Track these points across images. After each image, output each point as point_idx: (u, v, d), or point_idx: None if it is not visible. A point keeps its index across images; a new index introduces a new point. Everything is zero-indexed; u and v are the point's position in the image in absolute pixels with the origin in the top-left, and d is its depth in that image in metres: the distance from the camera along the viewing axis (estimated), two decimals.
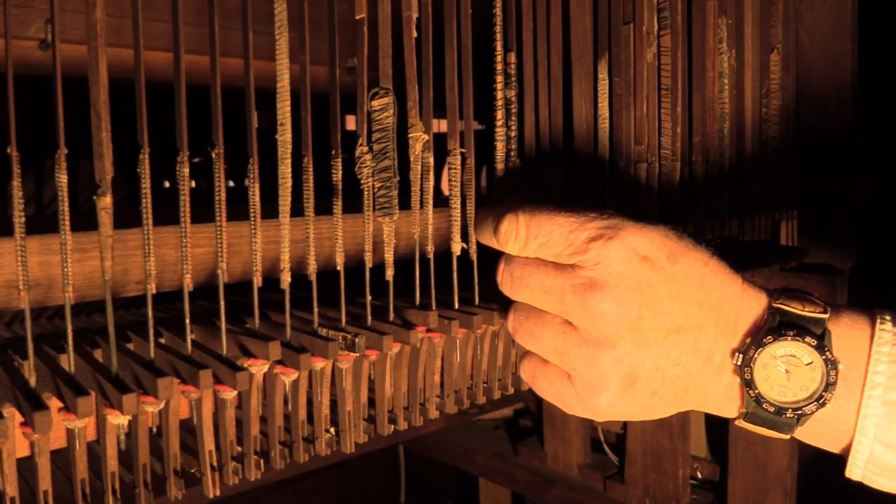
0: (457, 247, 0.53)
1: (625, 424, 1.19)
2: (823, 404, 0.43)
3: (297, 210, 0.47)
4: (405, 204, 0.52)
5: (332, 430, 0.54)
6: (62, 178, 0.37)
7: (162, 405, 0.40)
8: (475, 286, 0.55)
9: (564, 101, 0.61)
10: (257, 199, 0.44)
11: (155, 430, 0.48)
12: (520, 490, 1.37)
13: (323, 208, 0.49)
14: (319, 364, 0.47)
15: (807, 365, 0.43)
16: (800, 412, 0.43)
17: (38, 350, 0.44)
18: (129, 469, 0.48)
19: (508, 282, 0.48)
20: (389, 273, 0.51)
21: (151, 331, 0.42)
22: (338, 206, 0.48)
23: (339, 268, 0.49)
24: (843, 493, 0.51)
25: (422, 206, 0.52)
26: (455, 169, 0.53)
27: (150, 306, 0.41)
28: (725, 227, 0.81)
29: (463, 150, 0.53)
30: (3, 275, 0.38)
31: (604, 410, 0.46)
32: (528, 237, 0.46)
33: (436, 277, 0.53)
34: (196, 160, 1.19)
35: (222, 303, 0.43)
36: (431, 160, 0.52)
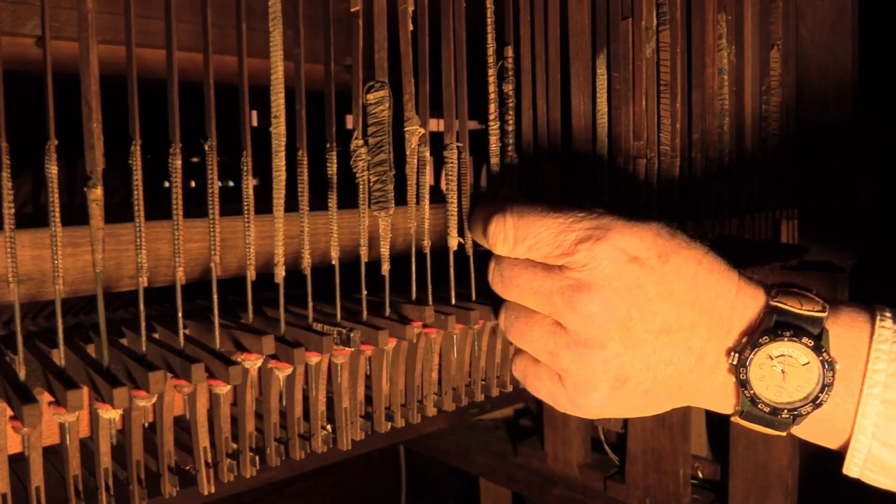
0: (453, 242, 0.53)
1: (625, 424, 1.19)
2: (819, 405, 0.42)
3: (292, 206, 0.47)
4: (401, 199, 0.51)
5: (329, 427, 0.53)
6: (52, 170, 0.37)
7: (154, 399, 0.39)
8: (472, 281, 0.55)
9: (562, 96, 0.60)
10: (251, 192, 0.44)
11: (149, 426, 0.48)
12: (520, 490, 1.37)
13: (319, 203, 0.48)
14: (314, 359, 0.47)
15: (803, 365, 0.42)
16: (795, 413, 0.43)
17: (29, 345, 0.44)
18: (123, 466, 0.48)
19: (499, 282, 0.48)
20: (385, 268, 0.51)
21: (143, 324, 0.41)
22: (333, 200, 0.48)
23: (334, 262, 0.49)
24: (845, 492, 0.51)
25: (418, 201, 0.52)
26: (452, 163, 0.53)
27: (141, 299, 0.40)
28: (725, 225, 0.81)
29: (459, 145, 0.53)
30: None
31: (594, 410, 0.46)
32: (516, 239, 0.46)
33: (432, 273, 0.53)
34: (194, 160, 1.19)
35: (215, 296, 0.43)
36: (428, 154, 0.52)
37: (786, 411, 0.43)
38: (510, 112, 0.56)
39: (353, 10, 0.48)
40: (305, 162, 0.46)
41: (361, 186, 0.49)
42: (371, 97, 0.49)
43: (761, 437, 0.45)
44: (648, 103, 0.66)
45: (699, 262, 0.44)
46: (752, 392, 0.43)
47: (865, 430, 0.42)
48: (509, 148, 0.56)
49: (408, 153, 0.51)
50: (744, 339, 0.44)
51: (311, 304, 0.48)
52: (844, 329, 0.43)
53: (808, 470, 0.99)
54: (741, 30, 0.78)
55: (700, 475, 1.16)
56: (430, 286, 0.52)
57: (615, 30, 0.64)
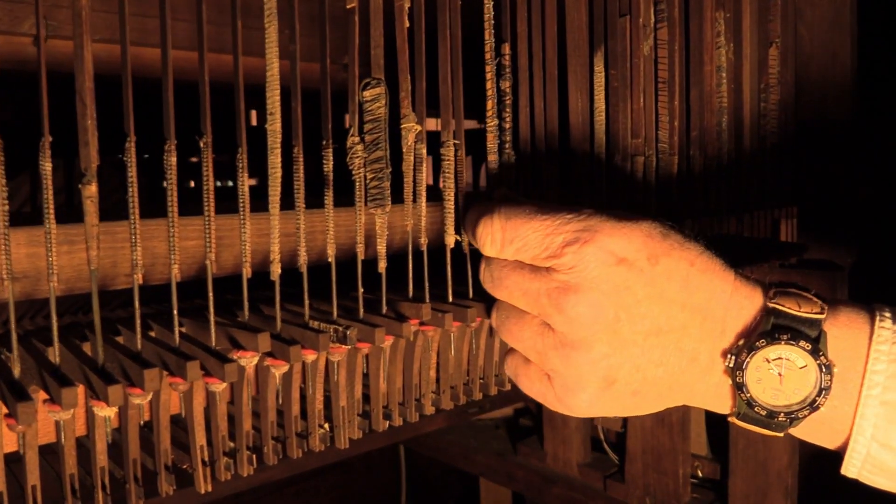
0: (450, 239, 0.53)
1: (625, 423, 1.19)
2: (816, 409, 0.42)
3: (289, 203, 0.47)
4: (398, 196, 0.51)
5: (327, 425, 0.53)
6: (46, 167, 0.37)
7: (149, 397, 0.39)
8: (469, 279, 0.54)
9: (560, 93, 0.60)
10: (246, 189, 0.44)
11: (145, 424, 0.48)
12: (520, 490, 1.36)
13: (315, 201, 0.48)
14: (311, 356, 0.47)
15: (801, 368, 0.42)
16: (792, 416, 0.43)
17: (25, 343, 0.44)
18: (119, 464, 0.48)
19: (489, 282, 0.48)
20: (382, 265, 0.50)
21: (138, 322, 0.41)
22: (329, 197, 0.48)
23: (330, 260, 0.48)
24: (844, 491, 0.50)
25: (415, 198, 0.52)
26: (448, 161, 0.53)
27: (136, 297, 0.40)
28: (724, 224, 0.80)
29: (456, 142, 0.53)
30: None
31: (583, 410, 0.46)
32: (503, 241, 0.46)
33: (429, 270, 0.52)
34: (193, 160, 1.19)
35: (211, 294, 0.43)
36: (424, 151, 0.52)
37: (782, 414, 0.43)
38: (507, 110, 0.56)
39: (349, 6, 0.48)
40: (301, 159, 0.46)
41: (358, 184, 0.49)
42: (367, 94, 0.49)
43: (761, 436, 0.45)
44: (646, 101, 0.66)
45: (692, 263, 0.44)
46: (748, 395, 0.43)
47: (864, 432, 0.41)
48: (507, 146, 0.56)
49: (404, 150, 0.51)
50: (740, 342, 0.43)
51: (307, 302, 0.48)
52: (843, 330, 0.43)
53: (808, 469, 0.99)
54: (739, 27, 0.78)
55: (700, 474, 1.16)
56: (426, 284, 0.52)
57: (613, 27, 0.64)
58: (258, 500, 1.54)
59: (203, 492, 0.49)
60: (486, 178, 0.56)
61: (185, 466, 0.50)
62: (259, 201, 0.46)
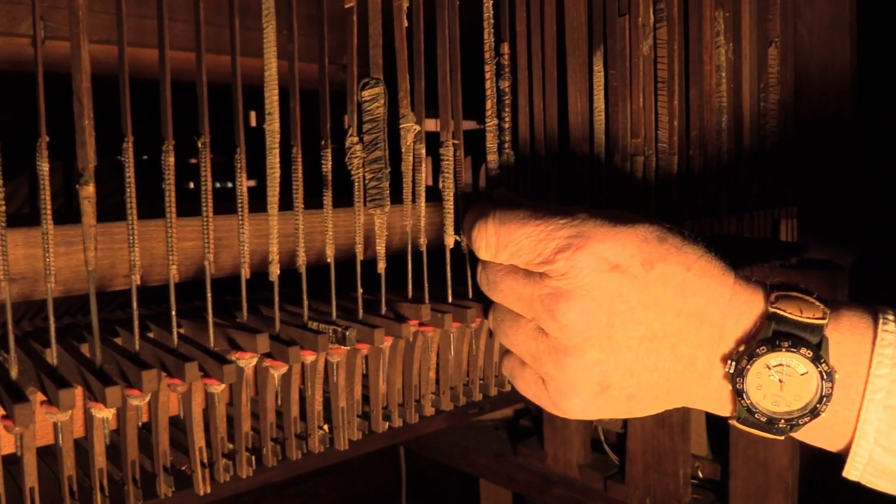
0: (450, 240, 0.53)
1: (625, 424, 1.18)
2: (817, 415, 0.42)
3: (287, 204, 0.46)
4: (397, 196, 0.51)
5: (326, 427, 0.53)
6: (43, 167, 0.36)
7: (147, 398, 0.39)
8: (469, 280, 0.54)
9: (559, 93, 0.60)
10: (245, 190, 0.44)
11: (143, 426, 0.47)
12: (520, 490, 1.36)
13: (314, 201, 0.48)
14: (310, 357, 0.47)
15: (801, 375, 0.42)
16: (793, 422, 0.42)
17: (22, 344, 0.44)
18: (118, 466, 0.48)
19: (485, 284, 0.49)
20: (381, 266, 0.50)
21: (136, 323, 0.41)
22: (328, 197, 0.48)
23: (329, 261, 0.48)
24: (845, 492, 0.50)
25: (414, 199, 0.52)
26: (448, 161, 0.53)
27: (134, 297, 0.40)
28: (724, 224, 0.80)
29: (455, 142, 0.53)
30: None
31: (577, 413, 0.46)
32: (497, 246, 0.46)
33: (429, 271, 0.52)
34: (192, 161, 1.19)
35: (209, 295, 0.43)
36: (423, 151, 0.52)
37: (783, 421, 0.42)
38: (507, 109, 0.56)
39: (347, 6, 0.48)
40: (300, 160, 0.46)
41: (357, 184, 0.49)
42: (366, 94, 0.49)
43: (761, 437, 0.45)
44: (646, 100, 0.66)
45: (689, 268, 0.43)
46: (748, 402, 0.43)
47: (867, 436, 0.41)
48: (506, 145, 0.56)
49: (403, 150, 0.51)
50: (740, 348, 0.43)
51: (306, 303, 0.48)
52: (846, 335, 0.42)
53: (809, 469, 0.99)
54: (739, 27, 0.78)
55: (700, 475, 1.15)
56: (426, 284, 0.52)
57: (612, 26, 0.64)
58: (257, 502, 1.54)
59: (202, 493, 0.49)
60: (485, 179, 0.56)
61: (183, 468, 0.50)
62: (257, 202, 0.46)
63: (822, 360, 0.41)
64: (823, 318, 0.42)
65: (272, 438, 0.51)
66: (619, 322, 0.43)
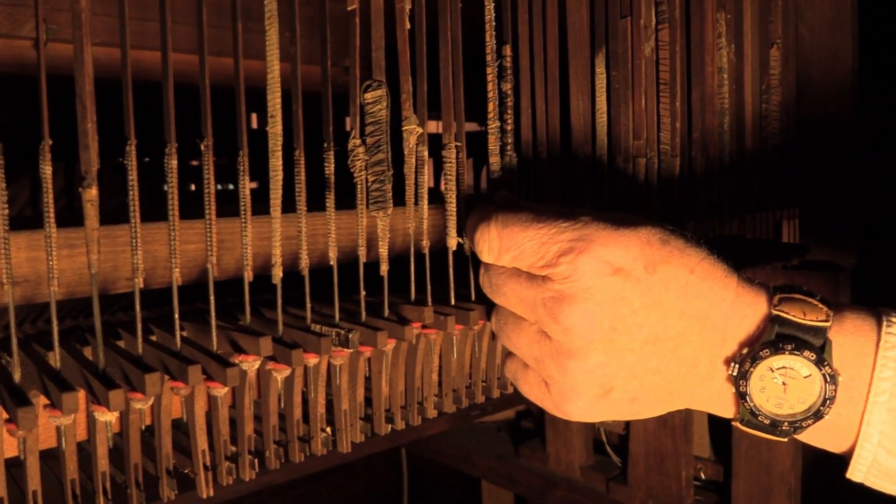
0: (452, 242, 0.53)
1: (627, 425, 1.18)
2: (821, 418, 0.42)
3: (290, 206, 0.46)
4: (400, 199, 0.51)
5: (329, 429, 0.53)
6: (46, 170, 0.36)
7: (150, 401, 0.39)
8: (471, 282, 0.54)
9: (561, 95, 0.60)
10: (247, 192, 0.44)
11: (146, 429, 0.47)
12: (522, 492, 1.36)
13: (317, 204, 0.48)
14: (313, 360, 0.46)
15: (805, 378, 0.42)
16: (796, 425, 0.42)
17: (26, 348, 0.44)
18: (121, 469, 0.47)
19: (488, 287, 0.49)
20: (384, 268, 0.50)
21: (139, 326, 0.41)
22: (331, 200, 0.48)
23: (332, 263, 0.48)
24: (848, 493, 0.50)
25: (416, 201, 0.52)
26: (450, 163, 0.53)
27: (137, 301, 0.40)
28: (726, 225, 0.80)
29: (458, 144, 0.53)
30: None
31: (580, 416, 0.46)
32: (500, 249, 0.46)
33: (431, 273, 0.52)
34: (194, 163, 1.19)
35: (212, 297, 0.42)
36: (426, 153, 0.52)
37: (786, 423, 0.42)
38: (509, 111, 0.56)
39: (349, 8, 0.48)
40: (303, 162, 0.46)
41: (359, 186, 0.49)
42: (368, 96, 0.49)
43: (764, 438, 0.45)
44: (648, 102, 0.66)
45: (691, 271, 0.43)
46: (752, 404, 0.43)
47: (871, 438, 0.41)
48: (508, 147, 0.56)
49: (406, 153, 0.51)
50: (744, 350, 0.43)
51: (308, 306, 0.48)
52: (849, 337, 0.42)
53: (812, 471, 0.99)
54: (741, 28, 0.78)
55: (703, 476, 1.15)
56: (429, 287, 0.52)
57: (614, 28, 0.64)
58: (261, 503, 1.54)
59: (205, 496, 0.49)
60: (487, 181, 0.56)
61: (186, 471, 0.50)
62: (260, 204, 0.46)
63: (826, 363, 0.41)
64: (827, 321, 0.42)
65: (275, 441, 0.51)
66: (621, 325, 0.43)
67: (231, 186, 1.31)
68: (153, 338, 0.48)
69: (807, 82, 0.93)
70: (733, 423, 0.45)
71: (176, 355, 0.42)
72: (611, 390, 0.44)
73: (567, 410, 0.46)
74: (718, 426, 1.14)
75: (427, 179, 0.53)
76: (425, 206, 0.52)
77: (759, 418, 0.43)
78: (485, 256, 0.48)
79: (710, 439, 1.16)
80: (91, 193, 0.37)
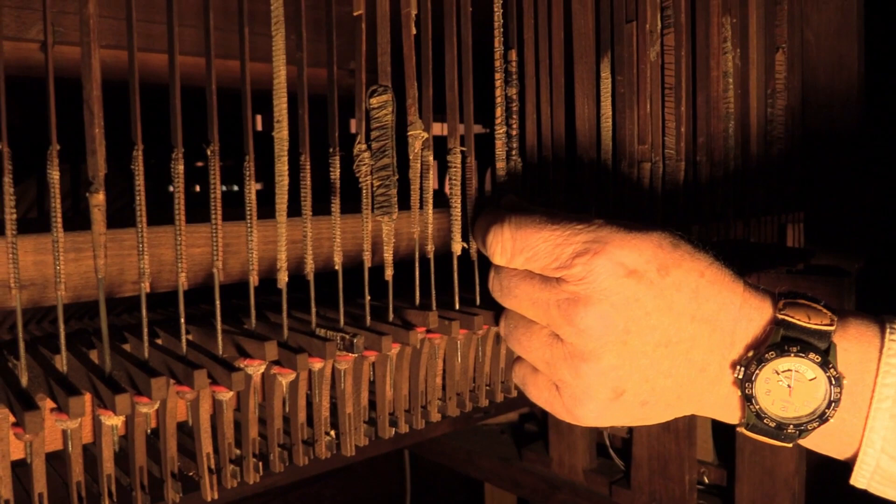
0: (457, 246, 0.53)
1: (631, 429, 1.18)
2: (826, 421, 0.42)
3: (295, 210, 0.46)
4: (405, 203, 0.51)
5: (333, 432, 0.53)
6: (54, 175, 0.36)
7: (156, 406, 0.39)
8: (476, 286, 0.54)
9: (566, 100, 0.60)
10: (253, 196, 0.44)
11: (151, 432, 0.48)
12: (525, 495, 1.36)
13: (322, 208, 0.48)
14: (317, 365, 0.47)
15: (810, 381, 0.42)
16: (801, 428, 0.42)
17: (32, 351, 0.44)
18: (126, 472, 0.48)
19: (498, 290, 0.48)
20: (389, 273, 0.50)
21: (145, 330, 0.41)
22: (336, 205, 0.48)
23: (337, 267, 0.48)
24: (851, 499, 0.50)
25: (421, 206, 0.52)
26: (455, 168, 0.53)
27: (143, 305, 0.40)
28: (731, 229, 0.80)
29: (463, 149, 0.53)
30: None
31: (591, 420, 0.46)
32: (514, 251, 0.46)
33: (436, 278, 0.52)
34: (199, 164, 1.19)
35: (218, 302, 0.43)
36: (431, 158, 0.52)
37: (791, 426, 0.43)
38: (514, 116, 0.56)
39: (356, 13, 0.48)
40: (308, 166, 0.46)
41: (364, 191, 0.49)
42: (374, 101, 0.49)
43: (769, 443, 0.45)
44: (653, 107, 0.66)
45: (701, 275, 0.44)
46: (757, 407, 0.43)
47: (874, 444, 0.41)
48: (513, 152, 0.56)
49: (411, 157, 0.51)
50: (749, 353, 0.43)
51: (314, 310, 0.48)
52: (853, 343, 0.42)
53: (815, 476, 0.99)
54: (746, 33, 0.78)
55: (706, 480, 1.15)
56: (433, 291, 0.52)
57: (619, 33, 0.64)
58: None
59: (209, 499, 0.49)
60: (490, 184, 0.56)
61: (191, 474, 0.50)
62: (264, 207, 0.46)
63: (831, 366, 0.42)
64: (831, 325, 0.42)
65: (279, 444, 0.51)
66: (635, 328, 0.43)
67: (236, 188, 1.31)
68: (159, 341, 0.48)
69: (812, 87, 0.93)
70: (738, 428, 0.45)
71: (181, 359, 0.42)
72: (623, 393, 0.44)
73: (578, 415, 0.46)
74: (722, 430, 1.14)
75: (432, 183, 0.53)
76: (430, 211, 0.52)
77: (765, 421, 0.43)
78: (497, 258, 0.47)
79: (713, 443, 1.16)
80: (98, 198, 0.37)
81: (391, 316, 0.51)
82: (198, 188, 1.26)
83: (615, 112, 0.64)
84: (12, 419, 0.38)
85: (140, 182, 0.39)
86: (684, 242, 0.45)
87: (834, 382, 0.41)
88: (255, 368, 0.44)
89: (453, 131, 0.53)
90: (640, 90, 0.65)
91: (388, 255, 0.50)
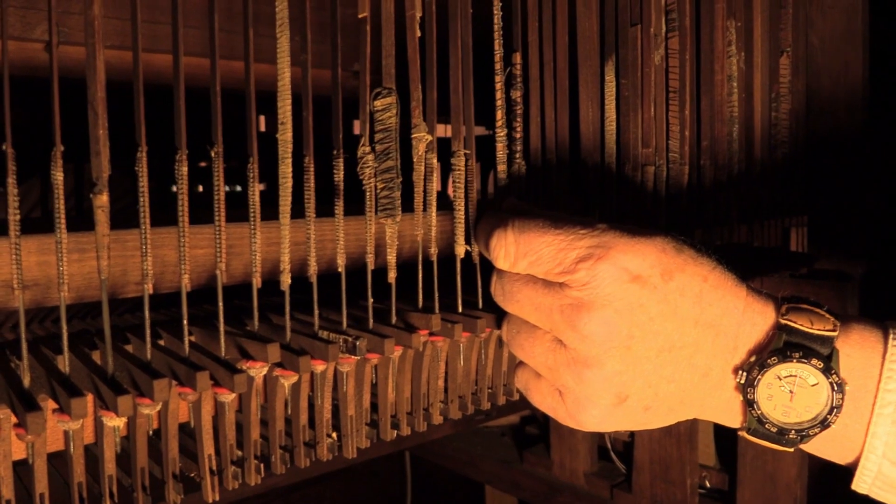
0: (460, 249, 0.53)
1: (632, 433, 1.18)
2: (827, 426, 0.42)
3: (299, 212, 0.46)
4: (408, 206, 0.51)
5: (335, 435, 0.53)
6: (58, 176, 0.36)
7: (158, 407, 0.39)
8: (479, 289, 0.54)
9: (571, 102, 0.60)
10: (257, 198, 0.44)
11: (153, 433, 0.47)
12: (525, 498, 1.36)
13: (325, 210, 0.48)
14: (320, 367, 0.47)
15: (812, 386, 0.42)
16: (803, 433, 0.42)
17: (35, 351, 0.44)
18: (127, 473, 0.48)
19: (500, 295, 0.48)
20: (392, 275, 0.50)
21: (148, 332, 0.41)
22: (339, 207, 0.48)
23: (340, 270, 0.48)
24: (854, 503, 0.50)
25: (425, 208, 0.52)
26: (459, 170, 0.53)
27: (146, 306, 0.40)
28: (735, 233, 0.80)
29: (467, 152, 0.53)
30: (0, 274, 0.37)
31: (594, 425, 0.46)
32: (517, 255, 0.46)
33: (439, 280, 0.52)
34: (202, 164, 1.20)
35: (220, 304, 0.43)
36: (435, 161, 0.52)
37: (793, 431, 0.42)
38: (518, 119, 0.56)
39: (360, 16, 0.48)
40: (312, 168, 0.46)
41: (368, 193, 0.49)
42: (378, 104, 0.49)
43: (770, 448, 0.45)
44: (657, 110, 0.66)
45: (705, 279, 0.44)
46: (759, 412, 0.43)
47: (876, 450, 0.41)
48: (517, 155, 0.56)
49: (415, 160, 0.51)
50: (752, 358, 0.43)
51: (316, 312, 0.48)
52: (855, 348, 0.42)
53: (818, 481, 0.98)
54: (751, 36, 0.78)
55: (708, 485, 1.15)
56: (436, 294, 0.52)
57: (624, 36, 0.64)
58: None
59: (210, 500, 0.49)
60: (493, 187, 0.56)
61: (192, 475, 0.50)
62: (268, 209, 0.46)
63: (833, 371, 0.41)
64: (834, 331, 0.42)
65: (281, 446, 0.51)
66: (639, 333, 0.43)
67: (239, 188, 1.31)
68: (161, 342, 0.48)
69: (817, 91, 0.93)
70: (740, 432, 0.45)
71: (184, 361, 0.42)
72: (626, 399, 0.44)
73: (581, 420, 0.45)
74: (724, 434, 1.14)
75: (435, 185, 0.53)
76: (433, 214, 0.52)
77: (766, 426, 0.43)
78: (500, 262, 0.47)
79: (715, 448, 1.16)
80: (102, 199, 0.37)
81: (394, 318, 0.51)
82: (201, 189, 1.26)
83: (619, 115, 0.64)
84: (14, 419, 0.38)
85: (144, 183, 0.39)
86: (687, 247, 0.45)
87: (836, 388, 0.41)
88: (258, 370, 0.44)
89: (457, 134, 0.53)
90: (645, 93, 0.65)
91: (392, 258, 0.50)
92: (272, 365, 0.45)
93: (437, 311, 0.52)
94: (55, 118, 0.37)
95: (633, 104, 0.64)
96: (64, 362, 0.40)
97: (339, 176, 0.48)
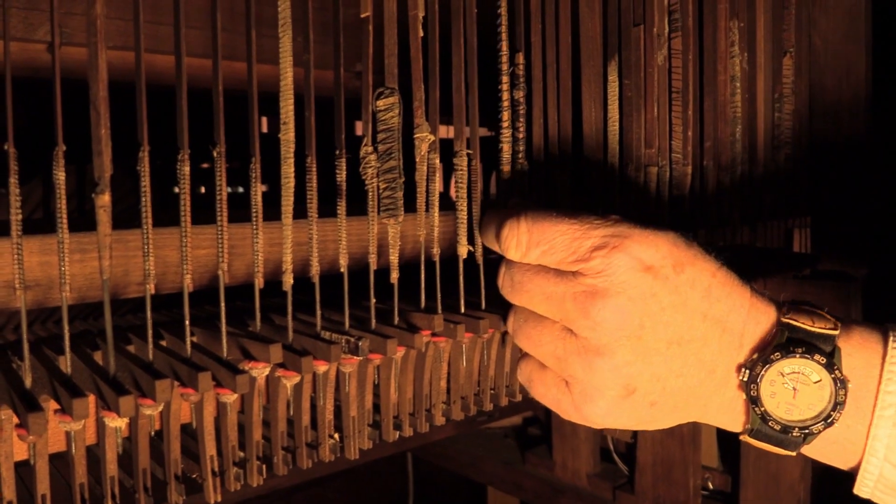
0: (463, 249, 0.53)
1: (635, 433, 1.18)
2: (831, 424, 0.42)
3: (301, 213, 0.46)
4: (411, 206, 0.51)
5: (336, 436, 0.53)
6: (60, 176, 0.36)
7: (160, 408, 0.39)
8: (482, 290, 0.54)
9: (574, 103, 0.60)
10: (259, 199, 0.44)
11: (155, 434, 0.47)
12: (528, 499, 1.36)
13: (328, 210, 0.48)
14: (322, 367, 0.46)
15: (815, 383, 0.42)
16: (806, 431, 0.42)
17: (36, 352, 0.44)
18: (129, 473, 0.48)
19: (509, 286, 0.48)
20: (394, 276, 0.50)
21: (150, 332, 0.41)
22: (342, 207, 0.48)
23: (342, 270, 0.48)
24: None
25: (427, 208, 0.52)
26: (461, 171, 0.53)
27: (148, 307, 0.40)
28: (737, 234, 0.80)
29: (469, 152, 0.53)
30: (1, 275, 0.37)
31: (599, 419, 0.45)
32: (529, 244, 0.46)
33: (442, 281, 0.52)
34: (204, 165, 1.19)
35: (223, 304, 0.42)
36: (437, 161, 0.52)
37: (797, 429, 0.42)
38: (521, 119, 0.56)
39: (363, 15, 0.48)
40: (314, 168, 0.46)
41: (371, 193, 0.49)
42: (381, 104, 0.49)
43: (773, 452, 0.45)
44: (660, 111, 0.65)
45: (713, 275, 0.44)
46: (762, 409, 0.43)
47: (877, 453, 0.41)
48: (520, 155, 0.56)
49: (417, 160, 0.51)
50: (755, 355, 0.43)
51: (319, 313, 0.48)
52: (856, 349, 0.42)
53: (820, 482, 0.98)
54: (753, 37, 0.78)
55: (710, 486, 1.15)
56: (439, 294, 0.52)
57: (627, 37, 0.63)
58: None
59: (212, 501, 0.49)
60: (496, 186, 0.56)
61: (194, 476, 0.50)
62: (270, 209, 0.46)
63: (836, 368, 0.42)
64: (835, 329, 0.43)
65: (283, 447, 0.51)
66: (650, 323, 0.43)
67: (241, 189, 1.31)
68: (163, 343, 0.48)
69: (820, 92, 0.93)
70: (742, 436, 0.45)
71: (186, 361, 0.42)
72: (634, 391, 0.44)
73: (587, 412, 0.45)
74: (727, 436, 1.13)
75: (438, 186, 0.53)
76: (436, 214, 0.52)
77: (770, 424, 0.43)
78: (511, 252, 0.47)
79: (718, 449, 1.16)
80: (104, 199, 0.37)
81: (396, 319, 0.51)
82: (203, 190, 1.26)
83: (622, 116, 0.64)
84: (16, 420, 0.38)
85: (146, 183, 0.39)
86: (695, 244, 0.45)
87: (839, 384, 0.41)
88: (260, 371, 0.44)
89: (459, 134, 0.53)
90: (648, 94, 0.65)
91: (394, 258, 0.50)
92: (274, 365, 0.45)
93: (439, 311, 0.51)
94: (57, 118, 0.37)
95: (636, 105, 0.64)
96: (66, 363, 0.40)
97: (342, 176, 0.47)
